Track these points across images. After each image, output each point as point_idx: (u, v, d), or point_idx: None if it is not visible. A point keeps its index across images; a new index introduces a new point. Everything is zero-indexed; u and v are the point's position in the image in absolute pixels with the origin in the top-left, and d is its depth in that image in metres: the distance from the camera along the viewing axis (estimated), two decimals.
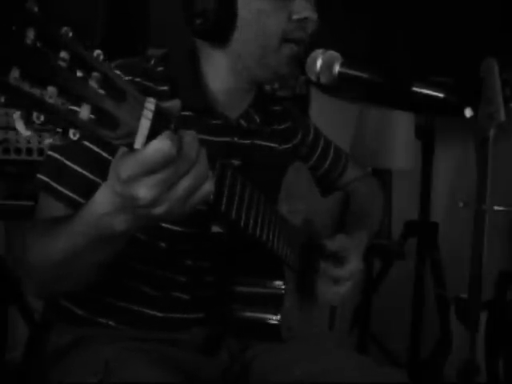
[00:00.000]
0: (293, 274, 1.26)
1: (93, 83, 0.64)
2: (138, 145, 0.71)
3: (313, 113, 2.69)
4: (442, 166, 2.67)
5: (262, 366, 1.22)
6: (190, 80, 1.20)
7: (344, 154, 1.56)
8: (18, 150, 1.88)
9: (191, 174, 0.77)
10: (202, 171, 0.78)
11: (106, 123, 0.67)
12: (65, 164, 1.08)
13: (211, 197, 0.90)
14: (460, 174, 2.74)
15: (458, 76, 1.05)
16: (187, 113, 1.16)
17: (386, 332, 2.69)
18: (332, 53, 1.13)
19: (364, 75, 1.09)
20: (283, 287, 1.20)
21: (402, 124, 2.46)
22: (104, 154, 1.06)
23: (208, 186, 0.80)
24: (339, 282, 1.29)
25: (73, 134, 0.64)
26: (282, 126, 1.39)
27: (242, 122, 1.27)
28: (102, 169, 0.83)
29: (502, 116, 1.04)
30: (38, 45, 0.59)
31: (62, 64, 0.61)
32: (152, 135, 0.72)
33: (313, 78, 1.15)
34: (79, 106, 0.64)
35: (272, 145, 1.34)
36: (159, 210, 0.77)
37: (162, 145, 0.72)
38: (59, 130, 0.63)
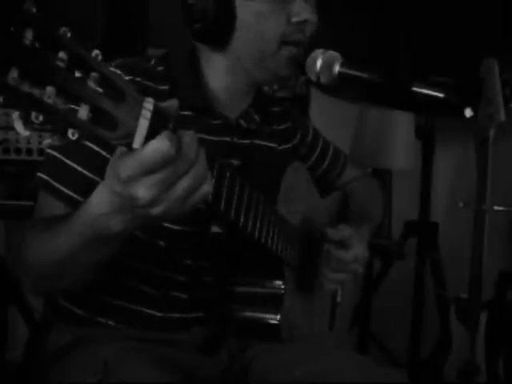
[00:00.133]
0: (292, 274, 1.26)
1: (91, 83, 0.65)
2: (136, 145, 0.71)
3: (313, 113, 2.68)
4: (442, 166, 2.67)
5: (261, 366, 1.22)
6: (189, 80, 1.20)
7: (343, 155, 1.56)
8: (18, 150, 1.88)
9: (190, 174, 0.77)
10: (200, 171, 0.78)
11: (104, 123, 0.67)
12: (64, 163, 1.08)
13: (210, 197, 0.90)
14: (460, 174, 2.74)
15: (458, 76, 1.05)
16: (187, 112, 1.16)
17: (386, 332, 2.69)
18: (332, 53, 1.13)
19: (364, 75, 1.09)
20: (283, 287, 1.20)
21: (402, 124, 2.46)
22: (103, 153, 1.06)
23: (207, 187, 0.80)
24: (342, 266, 1.29)
25: (71, 134, 0.64)
26: (282, 127, 1.39)
27: (242, 121, 1.27)
28: (101, 167, 0.83)
29: (502, 116, 1.04)
30: (37, 45, 0.59)
31: (61, 64, 0.61)
32: (150, 135, 0.72)
33: (313, 78, 1.15)
34: (78, 106, 0.64)
35: (271, 145, 1.34)
36: (157, 209, 0.77)
37: (160, 145, 0.72)
38: (58, 130, 0.63)
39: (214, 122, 1.22)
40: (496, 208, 1.09)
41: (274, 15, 1.15)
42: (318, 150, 1.50)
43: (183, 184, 0.76)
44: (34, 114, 0.60)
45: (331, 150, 1.53)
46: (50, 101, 0.60)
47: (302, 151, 1.46)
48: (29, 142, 1.87)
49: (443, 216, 2.66)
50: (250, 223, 1.06)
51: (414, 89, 1.04)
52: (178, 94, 1.01)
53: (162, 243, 1.16)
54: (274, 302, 1.19)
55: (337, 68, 1.11)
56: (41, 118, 0.60)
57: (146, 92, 0.73)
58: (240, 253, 1.20)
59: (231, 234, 1.18)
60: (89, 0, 2.13)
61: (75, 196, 1.07)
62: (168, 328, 1.20)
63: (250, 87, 1.26)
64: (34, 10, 0.58)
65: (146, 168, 0.73)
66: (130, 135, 0.71)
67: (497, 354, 2.01)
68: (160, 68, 1.20)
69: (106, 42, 2.11)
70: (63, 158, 1.09)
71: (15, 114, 0.60)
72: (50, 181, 1.09)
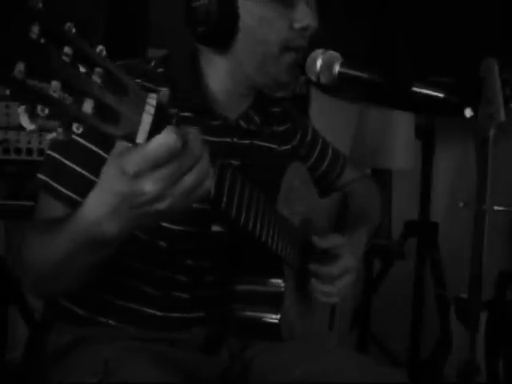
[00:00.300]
0: (293, 273, 1.26)
1: (96, 78, 0.65)
2: (140, 140, 0.72)
3: (313, 113, 2.68)
4: (442, 166, 2.67)
5: (261, 365, 1.22)
6: (190, 81, 1.20)
7: (342, 156, 1.56)
8: (18, 150, 1.88)
9: (195, 169, 0.77)
10: (204, 167, 0.79)
11: (108, 118, 0.68)
12: (64, 163, 1.09)
13: (211, 195, 0.91)
14: (460, 174, 2.74)
15: (458, 76, 1.05)
16: (187, 114, 1.16)
17: (386, 332, 2.69)
18: (332, 53, 1.13)
19: (364, 75, 1.09)
20: (283, 285, 1.20)
21: (402, 124, 2.46)
22: (103, 154, 1.06)
23: (209, 183, 0.81)
24: (331, 280, 1.27)
25: (76, 128, 0.64)
26: (282, 128, 1.39)
27: (242, 122, 1.27)
28: (101, 168, 0.83)
29: (502, 116, 1.04)
30: (43, 40, 0.60)
31: (66, 59, 0.62)
32: (154, 130, 0.72)
33: (313, 78, 1.15)
34: (82, 100, 0.64)
35: (271, 145, 1.34)
36: (163, 204, 0.78)
37: (167, 139, 0.72)
38: (63, 124, 0.63)
39: (214, 123, 1.22)
40: (496, 208, 1.09)
41: (277, 20, 1.15)
42: (318, 150, 1.50)
43: (188, 179, 0.77)
44: (39, 107, 0.60)
45: (330, 151, 1.53)
46: (55, 95, 0.61)
47: (302, 152, 1.46)
48: (29, 142, 1.88)
49: (443, 216, 2.66)
50: (251, 221, 1.06)
51: (414, 89, 1.04)
52: (178, 96, 1.01)
53: (163, 244, 1.16)
54: (274, 301, 1.19)
55: (337, 68, 1.11)
56: (46, 111, 0.61)
57: None
58: (241, 251, 1.20)
59: (232, 233, 1.18)
60: (90, 0, 2.13)
61: (75, 196, 1.07)
62: (169, 328, 1.20)
63: (250, 90, 1.26)
64: (40, 5, 0.59)
65: (152, 162, 0.73)
66: (134, 130, 0.71)
67: (497, 354, 2.01)
68: (160, 70, 1.20)
69: (106, 41, 2.11)
70: (63, 159, 1.09)
71: (21, 108, 0.60)
72: (50, 182, 1.09)
